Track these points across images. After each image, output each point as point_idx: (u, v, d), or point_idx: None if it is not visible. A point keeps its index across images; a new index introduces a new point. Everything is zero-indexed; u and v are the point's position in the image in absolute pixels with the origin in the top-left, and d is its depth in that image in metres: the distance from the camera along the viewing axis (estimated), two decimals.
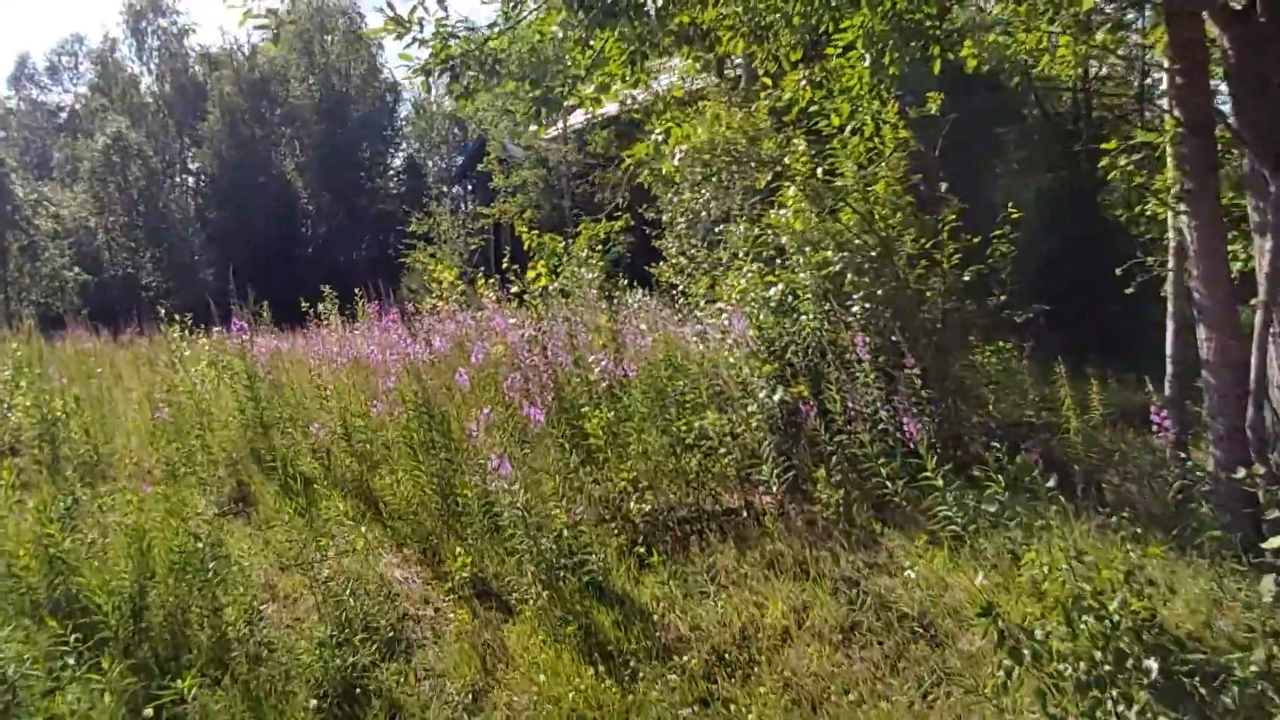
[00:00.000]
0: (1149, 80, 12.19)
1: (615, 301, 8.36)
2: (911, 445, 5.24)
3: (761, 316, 6.04)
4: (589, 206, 18.02)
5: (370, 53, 36.69)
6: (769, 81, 6.14)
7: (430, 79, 4.84)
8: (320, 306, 12.09)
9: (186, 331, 10.60)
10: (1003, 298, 6.45)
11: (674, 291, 9.62)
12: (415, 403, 5.88)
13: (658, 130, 5.96)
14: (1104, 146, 5.88)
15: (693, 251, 7.89)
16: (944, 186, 5.85)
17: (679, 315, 8.36)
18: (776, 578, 4.39)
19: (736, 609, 4.16)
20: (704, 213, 11.69)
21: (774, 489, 4.75)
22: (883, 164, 5.68)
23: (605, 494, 5.38)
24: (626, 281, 9.42)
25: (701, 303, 8.11)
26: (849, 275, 5.85)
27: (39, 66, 44.64)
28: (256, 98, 29.91)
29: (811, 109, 5.47)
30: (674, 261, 11.08)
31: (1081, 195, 12.38)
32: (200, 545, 4.14)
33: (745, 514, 5.13)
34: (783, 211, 6.35)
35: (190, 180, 36.30)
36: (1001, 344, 6.44)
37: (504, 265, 9.76)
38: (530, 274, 8.95)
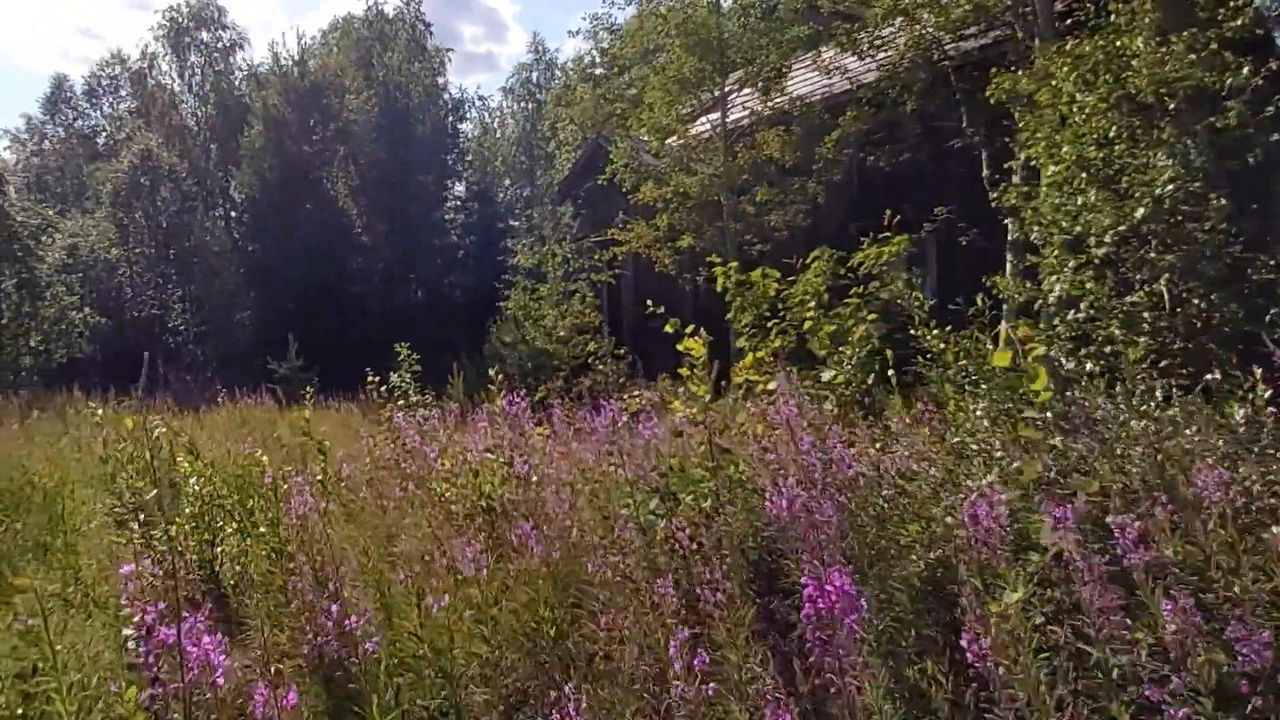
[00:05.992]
0: None
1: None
2: None
3: None
4: (758, 230, 12.86)
5: (433, 68, 32.40)
6: None
7: None
8: (391, 378, 7.44)
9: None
10: None
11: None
12: None
13: None
14: None
15: None
16: None
17: None
18: None
19: None
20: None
21: None
22: None
23: None
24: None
25: None
26: None
27: (77, 90, 41.07)
28: (305, 110, 25.38)
29: None
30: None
31: None
32: None
33: None
34: None
35: (232, 211, 32.03)
36: None
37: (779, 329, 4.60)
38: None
